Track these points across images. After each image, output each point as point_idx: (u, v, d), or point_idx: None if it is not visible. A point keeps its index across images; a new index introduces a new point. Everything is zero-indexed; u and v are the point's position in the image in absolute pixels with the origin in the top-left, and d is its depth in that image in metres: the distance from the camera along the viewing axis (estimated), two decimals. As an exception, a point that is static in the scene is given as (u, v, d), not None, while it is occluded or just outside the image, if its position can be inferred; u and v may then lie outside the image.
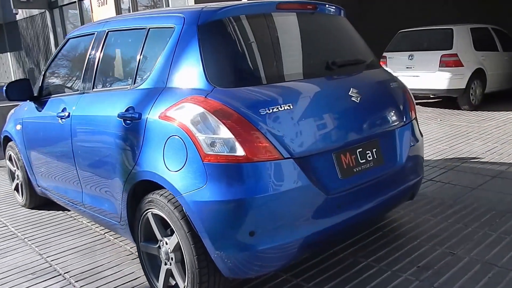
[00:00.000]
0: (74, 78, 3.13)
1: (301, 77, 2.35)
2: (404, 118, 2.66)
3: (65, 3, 13.86)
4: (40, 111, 3.39)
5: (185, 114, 2.02)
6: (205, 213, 1.94)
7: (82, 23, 12.73)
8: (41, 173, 3.54)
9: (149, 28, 2.49)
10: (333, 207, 2.15)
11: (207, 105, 1.99)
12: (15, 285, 2.72)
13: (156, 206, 2.16)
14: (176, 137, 2.03)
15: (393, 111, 2.63)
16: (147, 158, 2.19)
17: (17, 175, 4.10)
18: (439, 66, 7.34)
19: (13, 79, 16.31)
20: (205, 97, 2.04)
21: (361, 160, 2.33)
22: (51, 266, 2.92)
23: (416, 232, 3.03)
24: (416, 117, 2.85)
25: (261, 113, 2.00)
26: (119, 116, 2.39)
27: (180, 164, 2.02)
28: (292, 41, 2.47)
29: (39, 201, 3.99)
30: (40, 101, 3.43)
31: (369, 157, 2.38)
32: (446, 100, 8.15)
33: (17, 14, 16.11)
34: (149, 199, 2.21)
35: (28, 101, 3.55)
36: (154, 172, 2.14)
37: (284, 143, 2.01)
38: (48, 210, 3.95)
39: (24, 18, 16.68)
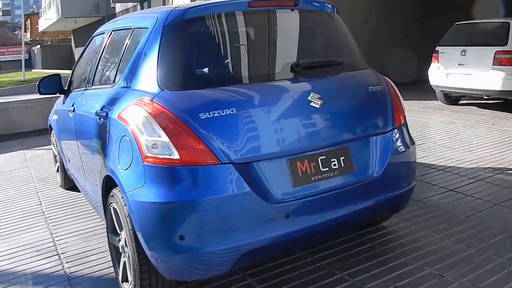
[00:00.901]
0: (85, 75, 3.37)
1: (257, 80, 2.30)
2: (385, 125, 2.49)
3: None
4: (64, 103, 3.72)
5: (131, 116, 2.10)
6: (140, 213, 2.01)
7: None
8: (67, 158, 3.88)
9: (133, 28, 2.60)
10: (280, 216, 2.09)
11: (149, 108, 2.04)
12: (18, 260, 3.03)
13: (115, 201, 2.28)
14: (126, 137, 2.12)
15: (370, 117, 2.47)
16: (109, 155, 2.31)
17: (57, 159, 4.53)
18: (493, 64, 6.56)
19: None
20: (151, 100, 2.09)
21: (322, 168, 2.23)
22: (54, 246, 3.20)
23: (408, 248, 2.84)
24: (404, 123, 2.64)
25: (201, 117, 2.00)
26: (95, 114, 2.55)
27: (128, 164, 2.11)
28: (257, 42, 2.43)
29: (72, 183, 4.37)
30: (67, 94, 3.75)
31: (334, 165, 2.27)
32: (507, 102, 7.33)
33: (114, 7, 17.53)
34: (111, 193, 2.33)
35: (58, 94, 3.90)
36: (112, 169, 2.25)
37: (223, 148, 2.00)
38: (77, 192, 4.30)
39: (121, 11, 18.06)
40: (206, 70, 2.28)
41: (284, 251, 2.60)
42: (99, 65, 3.02)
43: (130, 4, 16.73)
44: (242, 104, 2.12)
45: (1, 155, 6.37)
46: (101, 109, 2.50)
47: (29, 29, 49.08)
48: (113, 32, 3.00)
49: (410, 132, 2.78)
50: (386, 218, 3.11)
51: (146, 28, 2.38)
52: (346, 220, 2.34)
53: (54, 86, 3.71)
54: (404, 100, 2.75)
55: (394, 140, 2.51)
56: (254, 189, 2.02)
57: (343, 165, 2.29)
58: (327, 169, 2.24)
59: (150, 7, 15.25)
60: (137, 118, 2.06)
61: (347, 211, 2.31)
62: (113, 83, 2.59)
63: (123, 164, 2.15)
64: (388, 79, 2.75)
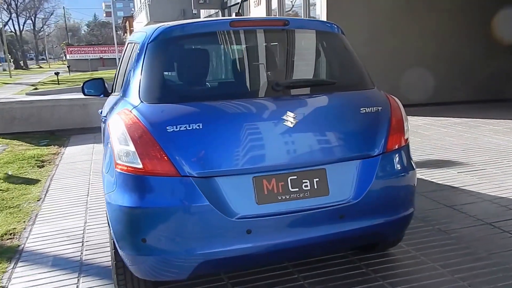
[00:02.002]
0: (114, 81, 3.70)
1: (233, 97, 2.36)
2: (372, 149, 2.39)
3: (232, 3, 15.33)
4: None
5: (113, 125, 2.30)
6: (112, 214, 2.22)
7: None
8: None
9: (134, 42, 2.83)
10: (240, 231, 2.15)
11: (126, 119, 2.23)
12: (50, 242, 3.45)
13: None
14: (109, 143, 2.34)
15: (355, 140, 2.39)
16: (104, 158, 2.56)
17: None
18: None
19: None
20: (130, 111, 2.28)
21: (292, 188, 2.24)
22: (82, 234, 3.58)
23: (400, 279, 2.70)
24: (402, 147, 2.51)
25: (168, 130, 2.14)
26: (102, 118, 2.83)
27: (108, 168, 2.33)
28: (238, 60, 2.49)
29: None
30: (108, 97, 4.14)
31: (306, 186, 2.26)
32: None
33: (195, 14, 18.54)
34: None
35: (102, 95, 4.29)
36: (102, 171, 2.50)
37: (184, 161, 2.11)
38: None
39: (205, 17, 19.08)
40: (183, 85, 2.42)
41: (248, 265, 2.63)
42: (119, 73, 3.32)
43: (212, 11, 17.50)
44: (210, 120, 2.21)
45: (75, 147, 7.16)
46: (105, 115, 2.77)
47: (128, 30, 53.39)
48: (128, 44, 3.28)
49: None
50: (384, 246, 2.96)
51: (139, 43, 2.59)
52: (317, 242, 2.31)
53: (98, 89, 4.07)
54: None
55: (382, 165, 2.40)
56: (213, 203, 2.11)
57: (316, 187, 2.27)
58: (296, 189, 2.24)
59: (230, 15, 15.88)
60: (116, 127, 2.26)
61: (318, 233, 2.28)
62: (119, 91, 2.85)
63: (106, 168, 2.37)
64: (396, 101, 2.63)
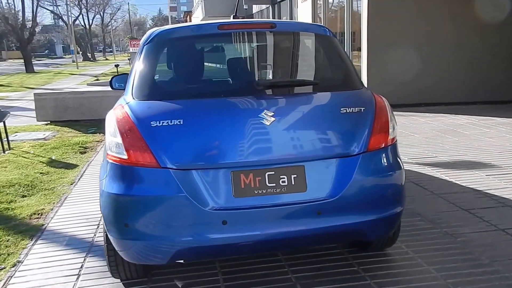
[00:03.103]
0: None
1: (216, 96, 2.48)
2: (352, 148, 2.40)
3: (281, -1, 15.37)
4: None
5: (107, 118, 2.47)
6: (101, 200, 2.39)
7: (291, 17, 13.86)
8: None
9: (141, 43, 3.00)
10: (216, 222, 2.25)
11: (117, 114, 2.39)
12: (70, 223, 3.73)
13: None
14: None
15: (334, 139, 2.41)
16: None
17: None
18: None
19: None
20: (123, 106, 2.44)
21: (269, 183, 2.30)
22: (99, 217, 3.82)
23: (389, 280, 2.67)
24: (386, 147, 2.48)
25: (152, 125, 2.28)
26: None
27: (103, 157, 2.51)
28: (224, 61, 2.59)
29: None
30: None
31: (283, 182, 2.31)
32: None
33: (246, 9, 18.72)
34: None
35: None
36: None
37: (164, 154, 2.24)
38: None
39: (256, 12, 19.19)
40: (171, 84, 2.56)
41: (224, 254, 2.72)
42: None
43: (264, 6, 17.65)
44: (191, 116, 2.33)
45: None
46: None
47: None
48: None
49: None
50: (377, 245, 2.93)
51: (140, 45, 2.76)
52: (293, 236, 2.36)
53: (124, 83, 4.32)
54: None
55: (363, 164, 2.40)
56: (190, 193, 2.22)
57: (293, 183, 2.31)
58: (273, 184, 2.30)
59: (280, 11, 15.88)
60: (109, 121, 2.43)
61: (294, 228, 2.33)
62: None
63: (103, 157, 2.55)
64: (382, 101, 2.62)
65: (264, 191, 2.29)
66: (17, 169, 5.52)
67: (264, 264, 2.86)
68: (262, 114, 2.33)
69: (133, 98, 2.46)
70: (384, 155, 2.48)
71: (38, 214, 4.03)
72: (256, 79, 2.54)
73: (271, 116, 2.32)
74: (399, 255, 2.97)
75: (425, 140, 6.28)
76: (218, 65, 2.66)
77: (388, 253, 2.99)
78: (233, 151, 2.30)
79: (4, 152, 6.39)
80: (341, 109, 2.48)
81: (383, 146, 2.48)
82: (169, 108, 2.37)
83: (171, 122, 2.28)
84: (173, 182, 2.22)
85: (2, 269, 3.04)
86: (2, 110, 6.36)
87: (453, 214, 3.63)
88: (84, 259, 3.08)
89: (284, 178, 2.31)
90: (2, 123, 6.46)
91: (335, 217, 2.35)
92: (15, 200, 4.44)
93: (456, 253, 2.97)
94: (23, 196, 4.57)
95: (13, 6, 29.92)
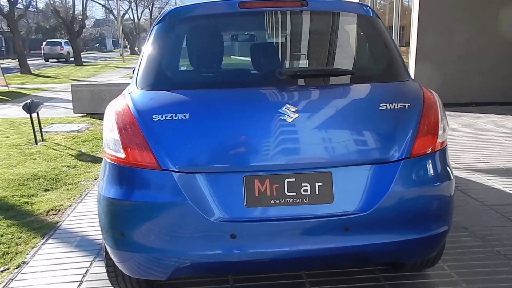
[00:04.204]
0: None
1: (231, 86, 2.13)
2: (392, 152, 2.00)
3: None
4: None
5: (106, 110, 2.20)
6: (98, 203, 2.14)
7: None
8: None
9: None
10: (223, 235, 1.94)
11: (117, 105, 2.12)
12: (86, 222, 3.54)
13: None
14: None
15: (370, 141, 2.01)
16: None
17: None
18: None
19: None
20: (125, 97, 2.17)
21: (288, 192, 1.96)
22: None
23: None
24: (435, 153, 2.07)
25: (153, 119, 1.99)
26: None
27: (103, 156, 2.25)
28: (243, 45, 2.24)
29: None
30: None
31: (305, 191, 1.96)
32: None
33: None
34: None
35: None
36: None
37: (166, 154, 1.94)
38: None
39: None
40: (179, 71, 2.24)
41: (231, 272, 2.40)
42: None
43: None
44: (198, 109, 2.01)
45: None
46: None
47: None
48: None
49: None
50: (416, 266, 2.52)
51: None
52: (313, 256, 2.01)
53: None
54: None
55: (404, 172, 2.00)
56: (193, 201, 1.92)
57: (317, 193, 1.96)
58: (293, 193, 1.96)
59: None
60: (108, 113, 2.16)
61: (315, 245, 1.98)
62: None
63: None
64: (432, 97, 2.19)
65: (282, 201, 1.95)
66: (45, 161, 5.46)
67: (282, 280, 2.54)
68: (283, 109, 1.97)
69: (137, 88, 2.18)
70: (430, 162, 2.07)
71: (56, 210, 3.89)
72: (280, 67, 2.17)
73: (294, 111, 1.97)
74: (440, 278, 2.56)
75: (475, 143, 5.71)
76: (234, 50, 2.30)
77: (427, 275, 2.59)
78: (246, 152, 1.96)
79: (36, 143, 6.38)
80: (381, 104, 2.07)
81: (430, 151, 2.06)
82: (173, 99, 2.06)
83: (175, 117, 1.98)
84: (175, 187, 1.93)
85: (5, 270, 2.88)
86: (35, 101, 6.33)
87: (506, 230, 3.15)
88: (91, 264, 2.86)
89: (306, 186, 1.96)
90: (35, 114, 6.45)
91: (366, 235, 1.98)
92: (37, 194, 4.33)
93: (509, 278, 2.52)
94: (46, 190, 4.46)
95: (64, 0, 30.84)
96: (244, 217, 1.94)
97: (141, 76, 2.19)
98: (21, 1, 27.44)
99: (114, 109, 2.11)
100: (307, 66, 2.32)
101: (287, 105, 1.98)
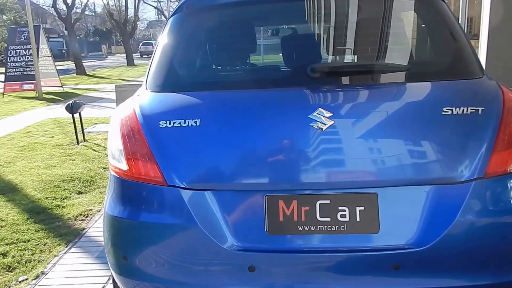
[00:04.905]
0: None
1: (253, 86, 1.78)
2: (459, 170, 1.56)
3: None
4: None
5: (113, 115, 1.93)
6: (103, 221, 1.87)
7: None
8: None
9: None
10: (240, 267, 1.61)
11: (124, 109, 1.84)
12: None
13: None
14: None
15: (431, 155, 1.59)
16: None
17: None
18: None
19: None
20: (133, 100, 1.88)
21: (321, 217, 1.59)
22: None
23: None
24: (509, 172, 1.63)
25: (161, 126, 1.69)
26: None
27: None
28: (270, 39, 1.87)
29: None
30: None
31: (343, 216, 1.59)
32: None
33: None
34: None
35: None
36: None
37: (173, 167, 1.64)
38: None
39: None
40: (195, 70, 1.93)
41: None
42: None
43: None
44: (212, 115, 1.69)
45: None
46: None
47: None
48: None
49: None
50: None
51: None
52: None
53: None
54: None
55: (476, 196, 1.56)
56: (203, 224, 1.60)
57: (358, 219, 1.58)
58: (327, 219, 1.59)
59: None
60: (114, 118, 1.89)
61: (355, 287, 1.60)
62: None
63: None
64: None
65: (313, 228, 1.58)
66: (83, 162, 5.38)
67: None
68: (316, 114, 1.60)
69: (146, 89, 1.90)
70: (508, 183, 1.61)
71: (84, 215, 3.73)
72: (313, 62, 1.79)
73: (328, 117, 1.59)
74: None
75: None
76: (259, 45, 1.95)
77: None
78: (268, 166, 1.61)
79: (78, 143, 6.36)
80: (445, 108, 1.63)
81: (511, 170, 1.62)
82: (183, 102, 1.75)
83: (184, 123, 1.66)
84: (182, 206, 1.62)
85: (23, 280, 2.72)
86: (77, 101, 6.30)
87: None
88: (108, 280, 2.63)
89: (344, 210, 1.58)
90: (78, 114, 6.43)
91: (422, 277, 1.57)
92: (70, 197, 4.21)
93: None
94: (79, 193, 4.34)
95: (117, 2, 31.75)
96: (265, 246, 1.59)
97: (152, 75, 1.90)
98: (78, 5, 28.52)
99: (120, 113, 1.83)
100: (346, 60, 1.93)
101: (320, 109, 1.61)
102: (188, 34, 1.96)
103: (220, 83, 1.85)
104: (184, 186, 1.63)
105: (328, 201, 1.60)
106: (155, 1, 50.37)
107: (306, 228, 1.59)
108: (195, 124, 1.65)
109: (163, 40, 1.95)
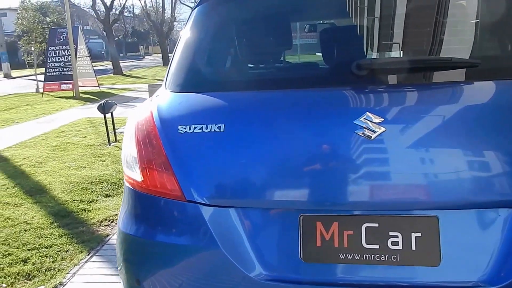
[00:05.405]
0: None
1: (290, 86, 1.51)
2: None
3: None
4: None
5: (129, 117, 1.71)
6: (117, 237, 1.66)
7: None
8: None
9: None
10: None
11: (140, 112, 1.62)
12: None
13: None
14: None
15: (506, 172, 1.29)
16: None
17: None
18: None
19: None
20: (151, 101, 1.66)
21: (367, 243, 1.32)
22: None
23: None
24: None
25: (179, 131, 1.45)
26: None
27: None
28: (307, 31, 1.60)
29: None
30: None
31: (395, 244, 1.31)
32: None
33: None
34: None
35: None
36: None
37: (192, 179, 1.41)
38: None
39: None
40: (220, 67, 1.67)
41: None
42: None
43: None
44: (239, 119, 1.44)
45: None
46: None
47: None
48: None
49: None
50: None
51: None
52: None
53: None
54: None
55: None
56: (226, 247, 1.36)
57: (414, 248, 1.30)
58: (375, 247, 1.31)
59: None
60: (129, 121, 1.67)
61: None
62: None
63: None
64: None
65: (358, 257, 1.31)
66: (113, 163, 5.27)
67: None
68: (362, 119, 1.32)
69: (166, 89, 1.67)
70: None
71: (109, 220, 3.57)
72: (359, 58, 1.51)
73: (378, 123, 1.31)
74: None
75: None
76: (296, 39, 1.68)
77: None
78: (305, 181, 1.35)
79: (109, 144, 6.29)
80: None
81: None
82: (206, 104, 1.50)
83: (206, 128, 1.42)
84: (202, 226, 1.39)
85: (41, 291, 2.56)
86: (109, 101, 6.23)
87: None
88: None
89: (396, 236, 1.30)
90: (110, 114, 6.36)
91: None
92: (97, 200, 4.08)
93: None
94: (106, 196, 4.21)
95: (155, 4, 32.23)
96: (299, 277, 1.33)
97: (172, 73, 1.66)
98: (117, 6, 29.05)
99: (136, 116, 1.61)
100: (398, 55, 1.63)
101: (367, 113, 1.33)
102: (214, 27, 1.72)
103: (248, 82, 1.59)
104: (204, 202, 1.39)
105: (377, 225, 1.32)
106: (191, 2, 50.95)
107: (349, 257, 1.32)
108: (218, 130, 1.41)
109: (186, 33, 1.71)
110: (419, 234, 1.30)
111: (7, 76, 22.25)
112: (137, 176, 1.50)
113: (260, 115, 1.43)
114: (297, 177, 1.35)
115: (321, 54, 1.77)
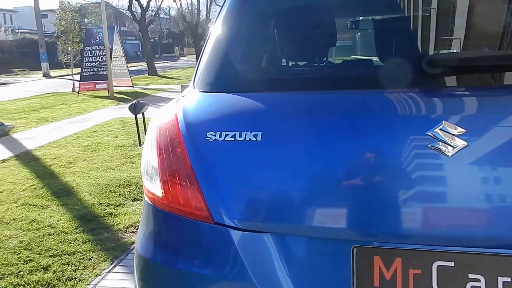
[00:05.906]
0: None
1: (340, 87, 1.24)
2: None
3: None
4: None
5: (151, 120, 1.48)
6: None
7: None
8: None
9: None
10: None
11: (163, 115, 1.39)
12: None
13: None
14: None
15: None
16: None
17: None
18: None
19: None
20: (176, 102, 1.43)
21: (438, 285, 1.05)
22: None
23: None
24: None
25: (208, 139, 1.22)
26: None
27: None
28: (358, 25, 1.34)
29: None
30: None
31: None
32: None
33: None
34: None
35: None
36: None
37: (222, 198, 1.17)
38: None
39: None
40: (257, 64, 1.43)
41: None
42: None
43: None
44: (279, 125, 1.18)
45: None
46: None
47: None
48: None
49: None
50: None
51: None
52: None
53: None
54: None
55: None
56: (259, 279, 1.12)
57: None
58: None
59: None
60: (151, 125, 1.44)
61: None
62: None
63: None
64: None
65: None
66: (142, 165, 5.12)
67: None
68: (438, 130, 1.05)
69: (194, 88, 1.44)
70: None
71: (135, 227, 3.41)
72: (426, 53, 1.23)
73: (458, 135, 1.04)
74: None
75: None
76: (343, 33, 1.45)
77: None
78: (360, 205, 1.09)
79: (140, 145, 6.17)
80: None
81: None
82: (240, 107, 1.27)
83: (240, 136, 1.18)
84: (232, 253, 1.16)
85: (59, 304, 2.39)
86: (141, 101, 6.11)
87: None
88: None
89: (478, 280, 1.03)
90: (141, 115, 6.24)
91: None
92: (124, 204, 3.93)
93: None
94: (134, 200, 4.05)
95: (191, 5, 32.45)
96: None
97: (202, 71, 1.43)
98: (153, 7, 29.43)
99: (159, 119, 1.39)
100: (477, 50, 1.34)
101: (444, 123, 1.05)
102: (250, 20, 1.47)
103: (290, 82, 1.34)
104: (235, 226, 1.15)
105: (452, 264, 1.04)
106: (226, 4, 51.12)
107: None
108: (255, 139, 1.16)
109: (217, 27, 1.48)
110: (509, 279, 1.02)
111: (46, 75, 22.84)
112: (157, 190, 1.28)
113: (305, 122, 1.17)
114: (351, 199, 1.09)
115: (375, 51, 1.51)
